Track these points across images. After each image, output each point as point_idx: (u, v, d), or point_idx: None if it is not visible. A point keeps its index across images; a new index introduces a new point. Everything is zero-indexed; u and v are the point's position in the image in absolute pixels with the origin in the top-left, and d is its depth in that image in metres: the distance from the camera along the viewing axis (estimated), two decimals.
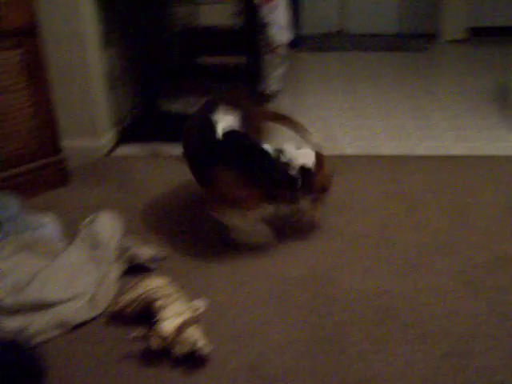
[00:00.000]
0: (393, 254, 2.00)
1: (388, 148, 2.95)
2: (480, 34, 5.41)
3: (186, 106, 2.92)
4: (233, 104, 2.12)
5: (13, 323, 1.63)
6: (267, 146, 1.96)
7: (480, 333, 1.61)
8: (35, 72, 2.36)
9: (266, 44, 3.15)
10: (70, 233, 2.08)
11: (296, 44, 5.00)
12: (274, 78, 3.40)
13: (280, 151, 1.96)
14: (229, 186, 1.91)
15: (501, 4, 5.30)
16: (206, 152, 1.99)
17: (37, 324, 1.63)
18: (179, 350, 1.50)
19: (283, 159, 1.94)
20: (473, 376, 1.46)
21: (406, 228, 2.17)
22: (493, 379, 1.45)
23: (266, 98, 3.63)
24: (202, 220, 2.23)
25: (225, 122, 2.02)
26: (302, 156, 1.99)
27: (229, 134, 1.99)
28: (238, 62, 3.21)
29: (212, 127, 2.00)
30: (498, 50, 5.00)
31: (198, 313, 1.57)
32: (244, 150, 1.96)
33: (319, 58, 4.96)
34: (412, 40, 5.39)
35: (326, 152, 2.08)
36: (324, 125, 3.29)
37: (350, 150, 2.94)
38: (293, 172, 1.94)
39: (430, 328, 1.63)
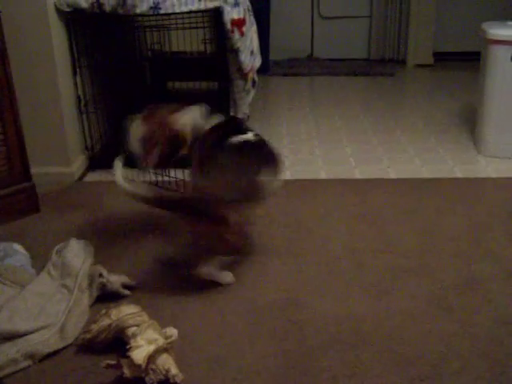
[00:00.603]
0: (364, 277, 2.01)
1: (358, 171, 2.98)
2: (444, 59, 5.54)
3: None
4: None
5: None
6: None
7: (452, 354, 1.62)
8: (4, 98, 2.34)
9: (237, 69, 3.17)
10: (41, 261, 2.06)
11: (266, 69, 5.05)
12: (246, 102, 3.42)
13: None
14: None
15: (463, 30, 5.45)
16: None
17: (5, 355, 1.60)
18: (152, 377, 1.49)
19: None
20: None
21: (377, 251, 2.19)
22: None
23: None
24: (173, 247, 2.23)
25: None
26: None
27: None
28: (209, 88, 3.23)
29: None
30: (462, 74, 5.12)
31: (170, 340, 1.56)
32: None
33: (289, 83, 5.01)
34: (380, 65, 5.48)
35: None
36: (294, 149, 3.32)
37: (320, 174, 2.96)
38: None
39: (403, 351, 1.64)
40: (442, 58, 5.55)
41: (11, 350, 1.61)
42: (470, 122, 3.64)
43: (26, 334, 1.66)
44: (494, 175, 2.90)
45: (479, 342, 1.67)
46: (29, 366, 1.61)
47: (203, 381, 1.55)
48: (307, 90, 4.90)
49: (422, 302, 1.87)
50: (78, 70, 2.92)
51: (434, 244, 2.23)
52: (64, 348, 1.68)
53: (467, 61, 5.36)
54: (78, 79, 2.94)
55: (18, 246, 2.11)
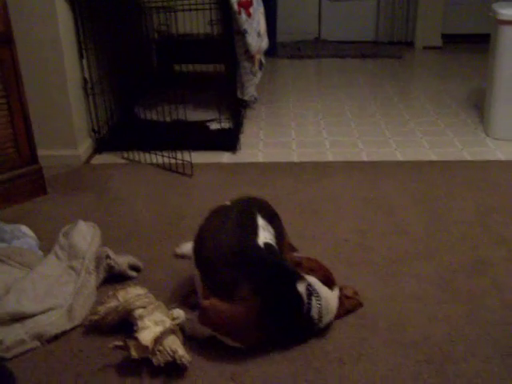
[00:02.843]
0: (372, 260, 2.01)
1: (366, 154, 2.97)
2: (453, 41, 5.49)
3: (163, 114, 2.91)
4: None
5: None
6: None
7: (460, 337, 1.62)
8: (10, 81, 2.33)
9: (244, 51, 3.15)
10: (48, 243, 2.06)
11: (273, 51, 5.02)
12: (253, 84, 3.40)
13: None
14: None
15: (472, 12, 5.39)
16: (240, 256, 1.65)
17: (13, 336, 1.61)
18: (159, 358, 1.49)
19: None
20: (453, 381, 1.47)
21: (384, 233, 2.18)
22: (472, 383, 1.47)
23: (245, 104, 3.64)
24: (178, 231, 2.23)
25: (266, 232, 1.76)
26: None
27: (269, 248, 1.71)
28: (216, 70, 3.21)
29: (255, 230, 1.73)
30: (470, 56, 5.07)
31: (177, 322, 1.56)
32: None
33: (296, 65, 4.98)
34: (388, 47, 5.44)
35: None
36: (301, 131, 3.31)
37: (328, 157, 2.95)
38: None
39: (410, 334, 1.64)
40: (451, 40, 5.50)
41: (19, 330, 1.62)
42: (479, 104, 3.61)
43: (34, 316, 1.67)
44: (502, 158, 2.88)
45: (487, 326, 1.67)
46: (36, 347, 1.62)
47: (210, 362, 1.55)
48: (314, 72, 4.87)
49: (429, 285, 1.86)
50: (84, 52, 2.91)
51: (443, 227, 2.22)
52: (72, 329, 1.68)
53: (476, 43, 5.31)
54: (85, 62, 2.93)
55: (25, 229, 2.11)
